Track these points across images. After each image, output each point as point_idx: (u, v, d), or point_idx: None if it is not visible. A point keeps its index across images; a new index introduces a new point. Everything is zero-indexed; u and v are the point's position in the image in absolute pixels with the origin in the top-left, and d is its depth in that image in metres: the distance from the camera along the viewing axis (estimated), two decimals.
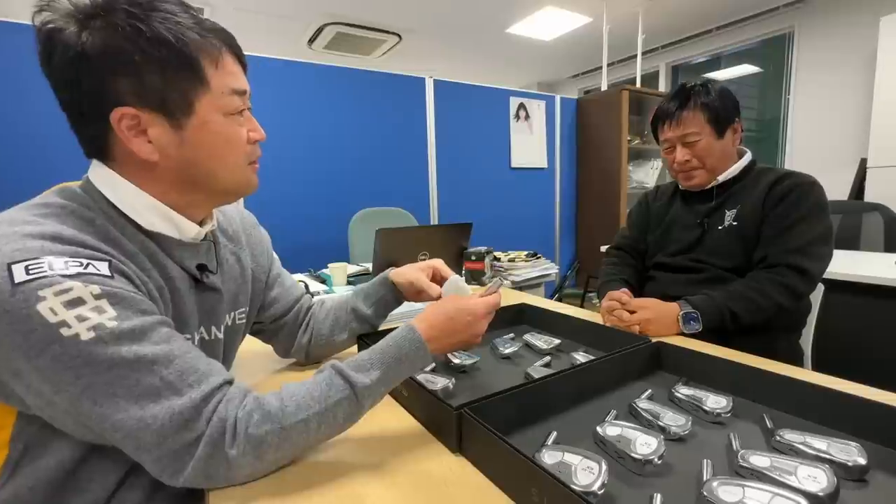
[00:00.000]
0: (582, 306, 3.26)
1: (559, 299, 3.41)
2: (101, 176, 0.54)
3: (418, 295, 0.84)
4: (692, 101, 1.11)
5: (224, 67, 0.55)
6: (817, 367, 1.13)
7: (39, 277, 0.42)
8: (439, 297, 0.80)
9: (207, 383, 0.49)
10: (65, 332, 0.42)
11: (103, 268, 0.47)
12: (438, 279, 0.84)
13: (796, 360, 1.11)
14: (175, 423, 0.45)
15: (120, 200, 0.54)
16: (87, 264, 0.46)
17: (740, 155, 1.17)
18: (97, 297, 0.45)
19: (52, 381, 0.43)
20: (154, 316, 0.49)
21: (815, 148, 3.57)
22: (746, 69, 4.18)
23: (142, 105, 0.51)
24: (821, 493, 0.45)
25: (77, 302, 0.43)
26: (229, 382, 0.51)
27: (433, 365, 0.83)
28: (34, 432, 0.50)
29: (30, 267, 0.42)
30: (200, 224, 0.62)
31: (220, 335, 0.66)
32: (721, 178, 1.14)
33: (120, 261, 0.49)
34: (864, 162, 3.01)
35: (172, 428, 0.45)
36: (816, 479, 0.47)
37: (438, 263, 0.85)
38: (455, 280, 0.81)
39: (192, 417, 0.46)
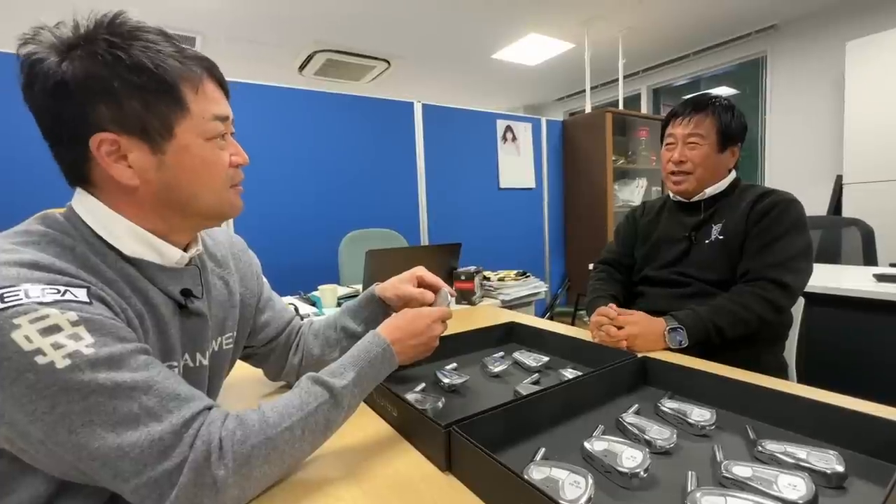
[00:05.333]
0: (573, 324, 3.27)
1: (551, 318, 3.42)
2: (83, 203, 0.54)
3: (407, 306, 0.82)
4: (710, 107, 1.16)
5: (205, 93, 0.56)
6: (801, 378, 1.15)
7: (15, 305, 0.42)
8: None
9: (188, 408, 0.48)
10: (40, 359, 0.42)
11: (81, 294, 0.46)
12: (426, 286, 0.83)
13: (781, 372, 1.12)
14: (155, 450, 0.44)
15: (101, 227, 0.54)
16: (65, 291, 0.45)
17: None
18: (74, 323, 0.44)
19: (27, 411, 0.42)
20: (133, 343, 0.48)
21: (792, 165, 3.68)
22: (724, 91, 4.35)
23: (121, 130, 0.51)
24: (800, 501, 0.46)
25: (53, 329, 0.43)
26: (210, 408, 0.51)
27: (423, 385, 0.83)
28: (4, 466, 0.49)
29: (5, 295, 0.42)
30: (185, 249, 0.62)
31: (206, 361, 0.65)
32: (709, 191, 1.18)
33: (99, 288, 0.49)
34: (839, 178, 3.11)
35: (153, 455, 0.44)
36: (796, 488, 0.48)
37: (421, 271, 0.84)
38: (445, 294, 0.82)
39: (173, 443, 0.45)
